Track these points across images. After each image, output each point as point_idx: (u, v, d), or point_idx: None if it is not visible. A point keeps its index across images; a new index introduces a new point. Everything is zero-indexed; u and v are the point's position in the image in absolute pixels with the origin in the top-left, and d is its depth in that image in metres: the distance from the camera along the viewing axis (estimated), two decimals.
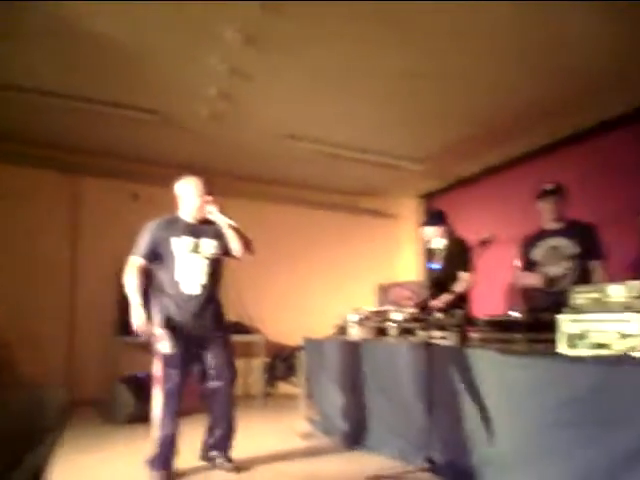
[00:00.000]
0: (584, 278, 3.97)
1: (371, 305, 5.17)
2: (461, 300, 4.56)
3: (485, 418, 3.02)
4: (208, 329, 3.69)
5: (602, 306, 2.51)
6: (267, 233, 7.42)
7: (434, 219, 4.96)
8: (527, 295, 4.31)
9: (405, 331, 4.19)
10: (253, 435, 3.93)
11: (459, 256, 4.56)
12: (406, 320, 4.24)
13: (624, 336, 2.34)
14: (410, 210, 8.73)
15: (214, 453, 3.74)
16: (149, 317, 3.54)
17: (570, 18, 3.91)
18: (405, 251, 8.68)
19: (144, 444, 3.56)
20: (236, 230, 3.70)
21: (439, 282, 4.46)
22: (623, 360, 2.29)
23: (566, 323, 2.62)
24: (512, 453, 2.75)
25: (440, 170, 7.38)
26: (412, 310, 4.37)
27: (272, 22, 4.00)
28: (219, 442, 3.74)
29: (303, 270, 7.94)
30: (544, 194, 4.27)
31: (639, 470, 2.03)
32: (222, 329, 3.83)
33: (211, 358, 3.71)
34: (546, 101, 5.20)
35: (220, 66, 4.58)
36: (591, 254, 4.08)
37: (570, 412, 2.37)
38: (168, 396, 3.51)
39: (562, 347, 2.63)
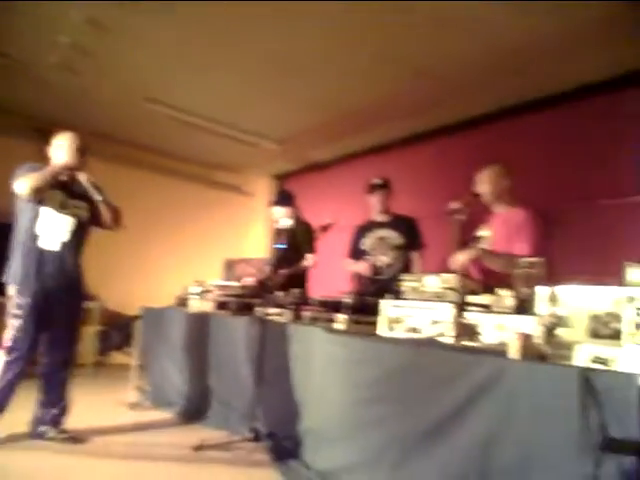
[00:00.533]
0: (407, 267, 4.36)
1: (216, 279, 5.21)
2: (300, 280, 4.76)
3: (309, 391, 3.20)
4: (62, 293, 3.51)
5: (419, 294, 2.77)
6: (113, 195, 7.21)
7: (283, 200, 5.10)
8: (357, 281, 4.61)
9: (244, 306, 4.30)
10: (82, 406, 3.81)
11: (303, 237, 4.73)
12: (246, 295, 4.35)
13: (434, 322, 2.61)
14: (263, 188, 8.86)
15: (44, 428, 3.55)
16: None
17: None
18: (255, 228, 8.78)
19: None
20: (106, 203, 3.64)
21: (283, 261, 4.61)
22: (430, 343, 2.54)
23: (387, 307, 2.85)
24: (331, 425, 2.93)
25: (295, 153, 7.55)
26: (253, 286, 4.49)
27: None
28: (53, 418, 3.57)
29: (150, 238, 7.70)
30: (372, 188, 4.61)
31: (433, 441, 2.26)
32: (78, 298, 3.72)
33: (59, 329, 3.55)
34: (400, 99, 5.50)
35: (75, 14, 4.35)
36: (412, 245, 4.49)
37: (382, 388, 2.58)
38: (13, 360, 3.34)
39: (382, 329, 2.86)
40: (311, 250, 4.81)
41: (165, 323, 4.90)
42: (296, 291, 3.91)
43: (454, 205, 3.40)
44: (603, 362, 1.77)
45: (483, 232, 3.81)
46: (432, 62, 4.79)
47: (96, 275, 6.80)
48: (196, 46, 4.84)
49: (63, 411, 3.61)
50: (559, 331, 2.02)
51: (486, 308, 2.50)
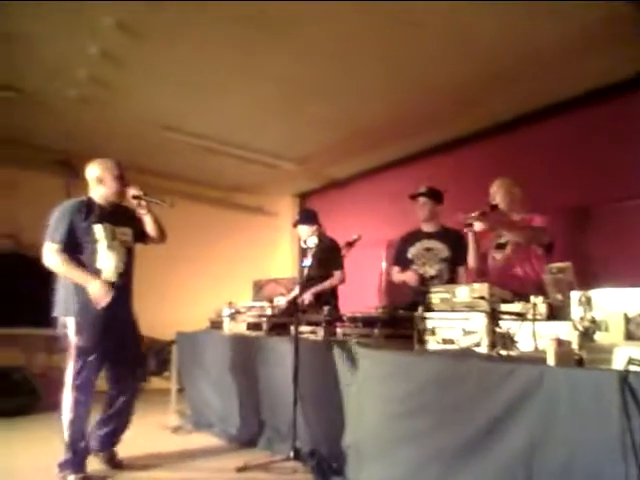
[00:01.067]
0: (452, 280, 4.30)
1: (247, 300, 5.27)
2: (330, 297, 4.78)
3: (348, 408, 3.21)
4: (122, 323, 3.58)
5: (450, 305, 2.79)
6: None
7: (307, 219, 5.14)
8: (399, 292, 4.57)
9: (277, 326, 4.34)
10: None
11: (329, 254, 4.75)
12: (278, 315, 4.39)
13: (467, 332, 2.62)
14: (286, 208, 8.94)
15: (95, 444, 3.59)
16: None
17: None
18: (281, 248, 8.85)
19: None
20: (155, 215, 3.74)
21: (310, 279, 4.65)
22: (465, 354, 2.55)
23: (419, 320, 2.87)
24: (370, 441, 2.93)
25: (315, 171, 7.62)
26: (284, 305, 4.53)
27: (149, 12, 3.98)
28: (105, 437, 3.64)
29: (179, 264, 7.77)
30: (419, 195, 4.57)
31: (475, 453, 2.26)
32: (136, 324, 3.77)
33: (123, 359, 3.60)
34: (416, 113, 5.53)
35: (91, 49, 4.47)
36: (459, 259, 4.38)
37: (420, 402, 2.58)
38: (80, 392, 3.32)
39: (416, 342, 2.88)
40: (338, 267, 4.84)
41: (200, 347, 4.95)
42: (326, 308, 3.94)
43: (472, 216, 3.55)
44: None
45: (503, 239, 3.87)
46: (442, 77, 4.82)
47: None
48: (210, 72, 4.91)
49: (117, 433, 3.68)
50: (595, 335, 2.02)
51: (519, 316, 2.50)
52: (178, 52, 4.57)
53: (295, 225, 5.24)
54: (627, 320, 1.95)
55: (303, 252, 5.19)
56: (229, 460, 3.72)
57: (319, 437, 3.49)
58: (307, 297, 4.68)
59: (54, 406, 3.48)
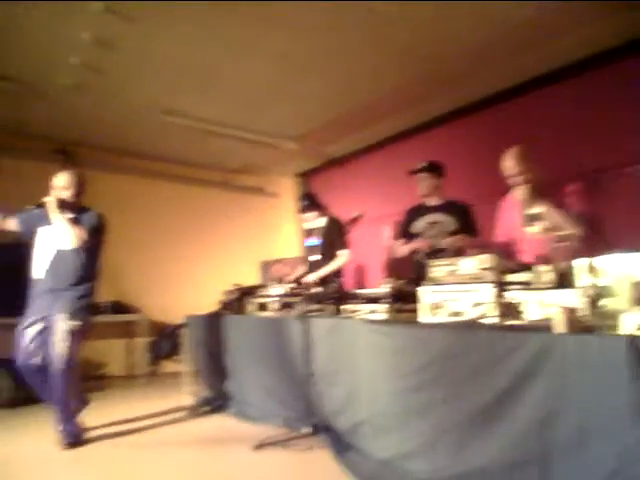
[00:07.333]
0: (460, 252, 4.28)
1: (254, 281, 5.29)
2: (335, 274, 4.79)
3: (360, 383, 3.24)
4: (56, 313, 3.79)
5: (456, 278, 2.79)
6: (145, 210, 7.37)
7: (312, 205, 5.12)
8: (404, 267, 4.53)
9: (285, 305, 4.36)
10: (145, 412, 3.96)
11: (335, 234, 4.76)
12: (285, 295, 4.40)
13: (475, 304, 2.63)
14: (288, 188, 8.94)
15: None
16: None
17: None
18: (285, 228, 8.86)
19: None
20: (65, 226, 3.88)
21: (317, 258, 4.66)
22: (473, 326, 2.56)
23: (426, 294, 2.88)
24: (385, 415, 2.96)
25: (315, 149, 7.60)
26: (291, 285, 4.54)
27: None
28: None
29: (185, 248, 7.84)
30: (418, 170, 4.51)
31: (488, 423, 2.29)
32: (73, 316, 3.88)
33: (51, 341, 3.78)
34: (412, 86, 5.50)
35: (84, 36, 4.47)
36: (467, 231, 4.35)
37: (432, 374, 2.60)
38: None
39: (423, 316, 2.89)
40: (344, 245, 4.84)
41: (210, 329, 4.97)
42: (332, 286, 3.95)
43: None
44: None
45: (535, 210, 3.66)
46: (436, 47, 4.78)
47: (139, 290, 7.01)
48: (206, 51, 4.89)
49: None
50: (603, 301, 2.03)
51: (526, 285, 2.51)
52: (172, 33, 4.54)
53: (301, 212, 5.23)
54: (634, 285, 1.96)
55: (307, 232, 5.19)
56: (246, 438, 3.73)
57: (331, 412, 3.51)
58: (312, 277, 4.67)
59: None
